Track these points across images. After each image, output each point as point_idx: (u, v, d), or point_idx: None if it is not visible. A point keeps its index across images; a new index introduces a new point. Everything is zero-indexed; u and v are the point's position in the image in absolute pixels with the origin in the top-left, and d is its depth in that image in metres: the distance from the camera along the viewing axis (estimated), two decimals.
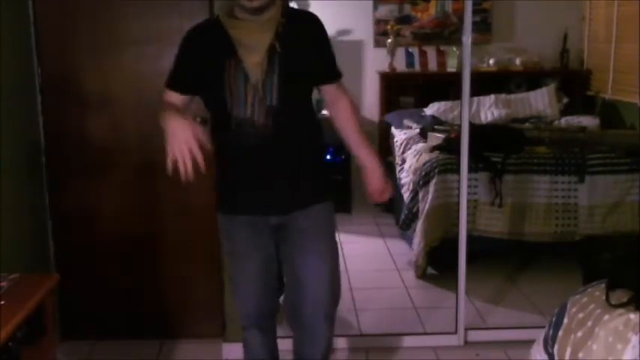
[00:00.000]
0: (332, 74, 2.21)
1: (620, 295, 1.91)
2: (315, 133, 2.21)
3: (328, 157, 4.75)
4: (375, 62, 5.62)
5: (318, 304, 2.20)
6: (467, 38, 3.04)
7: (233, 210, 2.19)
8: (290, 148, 2.10)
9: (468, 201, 3.23)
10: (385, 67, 5.54)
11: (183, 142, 1.87)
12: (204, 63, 2.07)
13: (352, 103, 2.26)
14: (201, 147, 1.88)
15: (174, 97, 2.13)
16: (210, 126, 2.19)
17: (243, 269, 2.23)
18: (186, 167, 1.90)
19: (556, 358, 2.00)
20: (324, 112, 2.52)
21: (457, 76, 3.15)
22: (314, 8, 4.46)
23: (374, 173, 2.24)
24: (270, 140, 2.04)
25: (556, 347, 2.00)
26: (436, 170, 3.89)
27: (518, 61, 5.51)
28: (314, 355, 2.28)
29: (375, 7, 5.63)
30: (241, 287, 2.27)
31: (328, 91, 2.22)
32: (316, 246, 2.18)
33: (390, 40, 5.50)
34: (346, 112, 2.23)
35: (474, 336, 3.22)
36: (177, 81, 2.15)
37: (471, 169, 3.35)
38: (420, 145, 4.38)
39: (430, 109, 5.25)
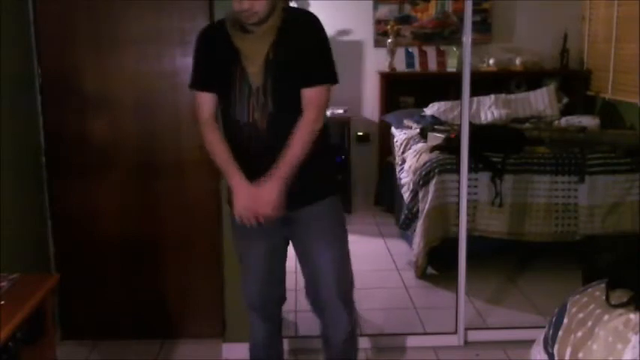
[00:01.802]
0: (313, 76, 2.13)
1: (620, 295, 1.91)
2: (319, 135, 2.21)
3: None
4: (375, 62, 5.62)
5: (333, 288, 2.30)
6: (467, 38, 3.04)
7: None
8: None
9: (468, 201, 3.23)
10: (385, 67, 5.53)
11: (243, 208, 2.16)
12: (214, 65, 2.19)
13: (313, 123, 2.14)
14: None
15: (205, 98, 2.22)
16: (222, 123, 2.28)
17: (250, 256, 2.34)
18: (250, 222, 2.18)
19: (556, 358, 2.00)
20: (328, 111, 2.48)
21: (457, 76, 3.15)
22: (314, 8, 4.44)
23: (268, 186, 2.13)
24: (271, 142, 2.13)
25: (556, 347, 2.00)
26: (436, 170, 3.89)
27: (518, 61, 5.50)
28: (339, 336, 2.37)
29: (375, 7, 5.62)
30: (247, 273, 2.37)
31: (305, 93, 2.13)
32: (323, 235, 2.28)
33: (390, 40, 5.49)
34: (302, 128, 2.13)
35: (474, 336, 3.22)
36: (199, 79, 2.25)
37: (471, 169, 3.35)
38: (420, 145, 4.38)
39: (430, 109, 5.24)
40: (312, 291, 2.36)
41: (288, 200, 2.19)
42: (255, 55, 2.11)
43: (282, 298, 2.46)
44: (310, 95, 2.14)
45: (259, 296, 2.38)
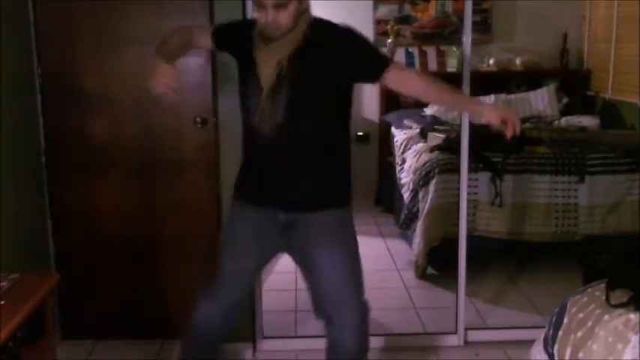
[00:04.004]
0: (375, 68, 2.17)
1: (620, 295, 1.91)
2: (337, 145, 2.25)
3: None
4: None
5: (338, 295, 2.26)
6: (467, 38, 3.04)
7: (244, 198, 2.30)
8: (300, 156, 2.19)
9: (468, 201, 3.23)
10: None
11: (162, 83, 2.27)
12: (240, 58, 2.27)
13: (421, 75, 2.36)
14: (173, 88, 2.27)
15: (204, 37, 2.33)
16: (242, 129, 2.33)
17: (233, 256, 2.32)
18: (167, 95, 2.29)
19: (556, 358, 2.00)
20: None
21: (457, 76, 3.15)
22: (314, 8, 4.41)
23: (487, 111, 2.24)
24: (280, 147, 2.16)
25: (556, 347, 2.01)
26: (436, 170, 3.89)
27: (518, 61, 5.50)
28: (343, 345, 2.29)
29: (375, 7, 5.62)
30: (222, 273, 2.34)
31: (388, 79, 2.18)
32: (329, 241, 2.23)
33: (390, 40, 5.50)
34: (420, 85, 2.24)
35: (474, 336, 3.22)
36: (219, 32, 2.33)
37: (471, 169, 3.35)
38: (420, 145, 4.38)
39: (430, 109, 5.25)
40: (316, 297, 2.29)
41: (287, 203, 2.20)
42: (271, 64, 2.11)
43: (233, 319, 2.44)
44: (395, 74, 2.18)
45: (226, 292, 2.35)
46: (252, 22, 2.26)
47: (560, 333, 2.00)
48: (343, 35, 2.19)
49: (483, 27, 5.55)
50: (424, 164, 4.01)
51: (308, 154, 2.20)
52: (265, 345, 3.14)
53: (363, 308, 2.31)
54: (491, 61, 5.49)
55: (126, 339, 3.20)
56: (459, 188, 3.17)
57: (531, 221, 3.88)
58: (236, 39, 2.27)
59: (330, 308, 2.27)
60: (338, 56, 2.14)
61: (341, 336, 2.28)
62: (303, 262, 2.30)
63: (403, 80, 2.23)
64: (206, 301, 2.38)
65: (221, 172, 2.99)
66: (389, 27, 5.52)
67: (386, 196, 5.12)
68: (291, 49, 2.11)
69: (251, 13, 2.90)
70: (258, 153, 2.23)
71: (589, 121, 4.88)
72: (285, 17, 2.06)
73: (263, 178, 2.24)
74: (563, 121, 5.03)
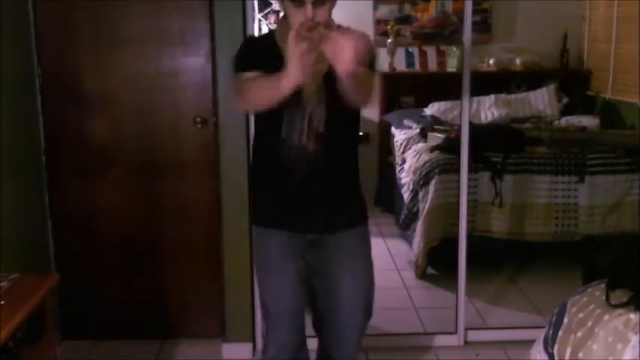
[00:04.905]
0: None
1: (620, 295, 1.91)
2: (356, 156, 2.21)
3: None
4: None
5: (351, 319, 2.20)
6: (467, 38, 3.04)
7: (271, 223, 2.15)
8: (335, 171, 2.10)
9: (468, 201, 3.23)
10: (385, 67, 5.53)
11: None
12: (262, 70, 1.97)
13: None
14: None
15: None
16: (255, 142, 2.19)
17: (276, 281, 2.16)
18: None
19: (556, 358, 2.00)
20: None
21: (457, 76, 3.15)
22: None
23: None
24: (317, 164, 2.03)
25: (556, 347, 2.01)
26: (436, 170, 3.89)
27: (518, 61, 5.50)
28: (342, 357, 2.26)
29: (375, 7, 5.62)
30: (274, 301, 2.18)
31: None
32: (353, 264, 2.17)
33: (390, 40, 5.49)
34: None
35: (474, 336, 3.22)
36: (249, 65, 1.99)
37: (470, 169, 3.35)
38: (420, 145, 4.38)
39: (430, 109, 5.24)
40: (325, 314, 2.21)
41: (320, 223, 2.11)
42: (315, 74, 1.91)
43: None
44: None
45: (292, 325, 2.19)
46: (260, 38, 2.14)
47: (560, 333, 2.00)
48: (364, 41, 2.11)
49: (483, 27, 5.55)
50: (424, 164, 4.01)
51: (341, 168, 2.13)
52: None
53: (364, 331, 2.27)
54: (491, 61, 5.49)
55: (126, 339, 3.21)
56: (459, 188, 3.17)
57: (531, 221, 3.88)
58: (258, 59, 2.00)
59: (336, 331, 2.22)
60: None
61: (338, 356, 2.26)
62: (321, 281, 2.19)
63: None
64: (270, 350, 2.23)
65: (221, 172, 2.99)
66: (389, 27, 5.51)
67: (386, 196, 5.12)
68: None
69: (250, 13, 2.90)
70: (294, 177, 2.04)
71: (589, 121, 4.87)
72: (322, 15, 1.96)
73: (291, 199, 2.08)
74: (563, 121, 5.03)
